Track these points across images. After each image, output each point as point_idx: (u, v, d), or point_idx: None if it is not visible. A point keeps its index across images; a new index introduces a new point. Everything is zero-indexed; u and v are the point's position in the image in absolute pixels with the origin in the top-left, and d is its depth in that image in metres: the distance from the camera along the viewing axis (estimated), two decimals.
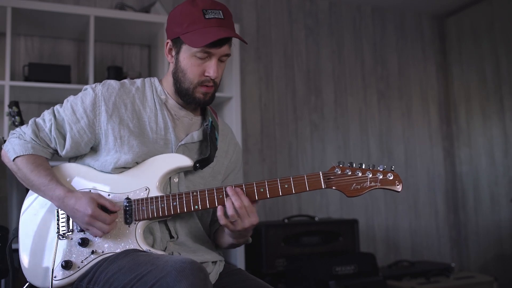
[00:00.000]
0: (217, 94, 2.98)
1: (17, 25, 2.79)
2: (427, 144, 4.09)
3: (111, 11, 2.88)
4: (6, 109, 2.39)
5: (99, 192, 1.42)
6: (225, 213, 1.35)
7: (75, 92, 2.39)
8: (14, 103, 2.31)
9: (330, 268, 2.75)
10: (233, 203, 1.33)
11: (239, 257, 2.87)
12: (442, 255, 4.01)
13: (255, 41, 3.62)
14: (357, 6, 3.99)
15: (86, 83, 2.79)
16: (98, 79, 2.91)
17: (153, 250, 1.37)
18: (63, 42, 3.10)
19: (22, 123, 2.29)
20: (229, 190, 1.36)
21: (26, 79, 2.75)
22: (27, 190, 1.50)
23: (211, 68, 1.43)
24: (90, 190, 1.42)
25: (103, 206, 1.36)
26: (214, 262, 1.49)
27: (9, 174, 1.66)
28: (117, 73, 2.94)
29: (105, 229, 1.34)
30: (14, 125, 2.30)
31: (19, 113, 2.31)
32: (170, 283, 1.13)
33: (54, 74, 2.73)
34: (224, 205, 1.36)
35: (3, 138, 1.79)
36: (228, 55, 1.46)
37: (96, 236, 1.36)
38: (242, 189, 1.37)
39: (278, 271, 2.88)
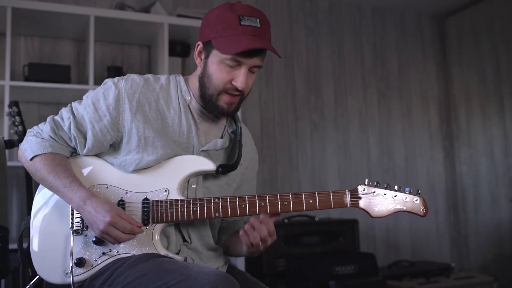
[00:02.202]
0: None
1: (17, 25, 2.79)
2: (427, 144, 4.09)
3: (111, 11, 2.88)
4: (6, 109, 2.38)
5: (117, 188, 1.39)
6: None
7: (75, 92, 2.37)
8: (14, 103, 2.31)
9: (330, 268, 2.75)
10: (259, 235, 1.34)
11: (239, 258, 2.87)
12: (442, 255, 4.01)
13: None
14: (357, 6, 3.99)
15: (86, 83, 2.78)
16: (98, 79, 2.91)
17: (170, 255, 1.35)
18: (63, 42, 3.10)
19: (22, 123, 2.28)
20: (255, 222, 1.34)
21: (26, 79, 2.75)
22: (29, 188, 1.48)
23: (239, 78, 1.36)
24: (107, 187, 1.39)
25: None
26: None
27: (9, 174, 1.64)
28: (117, 73, 2.93)
29: (122, 238, 1.28)
30: (14, 125, 2.30)
31: (19, 113, 2.30)
32: None
33: (54, 74, 2.73)
34: (245, 214, 1.37)
35: (3, 138, 1.78)
36: (259, 66, 1.39)
37: (114, 243, 1.32)
38: (266, 200, 1.36)
39: (278, 271, 2.88)
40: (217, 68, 1.37)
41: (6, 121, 2.48)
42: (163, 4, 3.09)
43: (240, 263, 2.86)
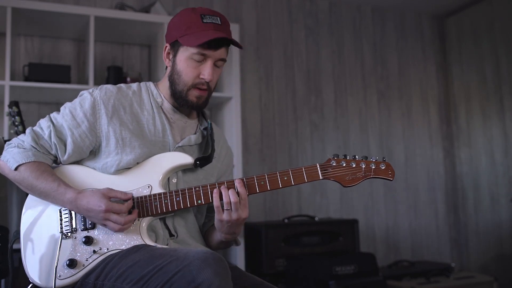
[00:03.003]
0: (217, 94, 3.01)
1: (17, 25, 2.79)
2: (427, 144, 4.09)
3: (111, 11, 2.88)
4: (6, 109, 2.38)
5: None
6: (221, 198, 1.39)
7: (75, 92, 2.39)
8: (14, 103, 2.31)
9: (330, 268, 2.75)
10: (229, 195, 1.37)
11: (239, 257, 2.87)
12: (442, 255, 4.01)
13: (255, 41, 3.62)
14: (357, 6, 3.99)
15: (86, 83, 2.79)
16: (98, 79, 2.91)
17: (159, 246, 1.38)
18: (63, 42, 3.10)
19: (22, 123, 2.29)
20: (236, 182, 1.39)
21: (26, 79, 2.75)
22: None
23: (206, 70, 1.46)
24: (92, 190, 1.42)
25: (116, 198, 1.38)
26: None
27: None
28: (117, 73, 2.94)
29: (121, 220, 1.35)
30: (14, 125, 2.30)
31: (19, 113, 2.31)
32: (193, 271, 1.15)
33: (54, 74, 2.73)
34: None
35: (3, 138, 1.79)
36: (223, 59, 1.50)
37: (115, 230, 1.37)
38: (244, 182, 1.40)
39: (278, 271, 2.88)
40: (185, 64, 1.47)
41: (6, 121, 2.48)
42: (163, 4, 3.09)
43: (240, 263, 2.86)
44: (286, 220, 3.10)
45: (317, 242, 3.04)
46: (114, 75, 2.92)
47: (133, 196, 1.42)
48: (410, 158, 4.00)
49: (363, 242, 3.56)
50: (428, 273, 3.24)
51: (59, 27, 2.94)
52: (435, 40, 4.26)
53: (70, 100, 1.52)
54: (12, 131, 2.38)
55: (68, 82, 2.77)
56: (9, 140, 1.85)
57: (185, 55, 1.46)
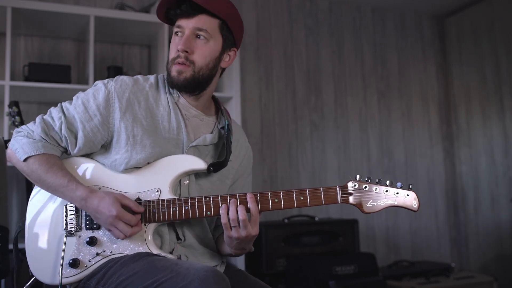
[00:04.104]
0: (217, 94, 2.99)
1: (17, 25, 2.79)
2: (427, 144, 4.09)
3: (111, 11, 2.88)
4: (6, 109, 2.39)
5: (109, 189, 1.39)
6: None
7: (75, 92, 2.39)
8: (14, 103, 2.31)
9: (330, 268, 2.75)
10: (236, 212, 1.31)
11: (239, 257, 2.87)
12: (442, 255, 4.01)
13: (255, 41, 3.62)
14: (357, 6, 3.99)
15: (86, 83, 2.79)
16: (98, 79, 2.90)
17: (163, 254, 1.35)
18: (63, 42, 3.10)
19: (22, 123, 2.29)
20: (248, 197, 1.33)
21: (26, 79, 2.75)
22: (29, 188, 1.48)
23: (179, 41, 1.42)
24: (100, 188, 1.39)
25: (127, 207, 1.32)
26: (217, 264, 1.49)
27: (9, 174, 1.64)
28: (117, 73, 2.93)
29: (127, 232, 1.30)
30: (14, 125, 2.30)
31: (19, 113, 2.31)
32: None
33: (54, 74, 2.73)
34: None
35: (2, 138, 1.78)
36: (201, 29, 1.40)
37: (118, 238, 1.32)
38: (257, 197, 1.34)
39: (278, 271, 2.88)
40: (171, 44, 1.46)
41: (6, 121, 2.48)
42: None
43: (240, 263, 2.86)
44: (286, 220, 3.10)
45: (317, 242, 3.04)
46: (114, 75, 2.88)
47: (140, 200, 1.37)
48: (410, 158, 4.00)
49: (363, 242, 3.56)
50: (428, 273, 3.24)
51: (59, 27, 2.94)
52: (435, 40, 4.26)
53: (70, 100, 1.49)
54: (12, 131, 2.38)
55: (68, 82, 2.77)
56: (9, 140, 1.85)
57: (172, 36, 1.46)
